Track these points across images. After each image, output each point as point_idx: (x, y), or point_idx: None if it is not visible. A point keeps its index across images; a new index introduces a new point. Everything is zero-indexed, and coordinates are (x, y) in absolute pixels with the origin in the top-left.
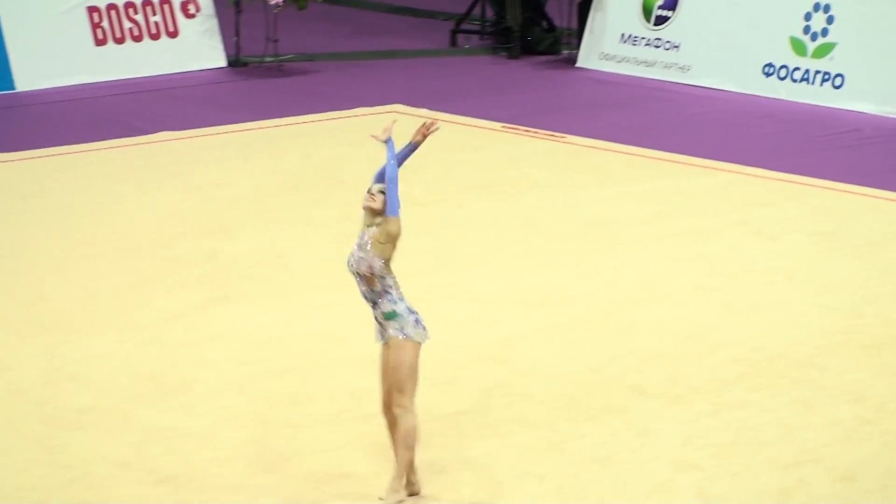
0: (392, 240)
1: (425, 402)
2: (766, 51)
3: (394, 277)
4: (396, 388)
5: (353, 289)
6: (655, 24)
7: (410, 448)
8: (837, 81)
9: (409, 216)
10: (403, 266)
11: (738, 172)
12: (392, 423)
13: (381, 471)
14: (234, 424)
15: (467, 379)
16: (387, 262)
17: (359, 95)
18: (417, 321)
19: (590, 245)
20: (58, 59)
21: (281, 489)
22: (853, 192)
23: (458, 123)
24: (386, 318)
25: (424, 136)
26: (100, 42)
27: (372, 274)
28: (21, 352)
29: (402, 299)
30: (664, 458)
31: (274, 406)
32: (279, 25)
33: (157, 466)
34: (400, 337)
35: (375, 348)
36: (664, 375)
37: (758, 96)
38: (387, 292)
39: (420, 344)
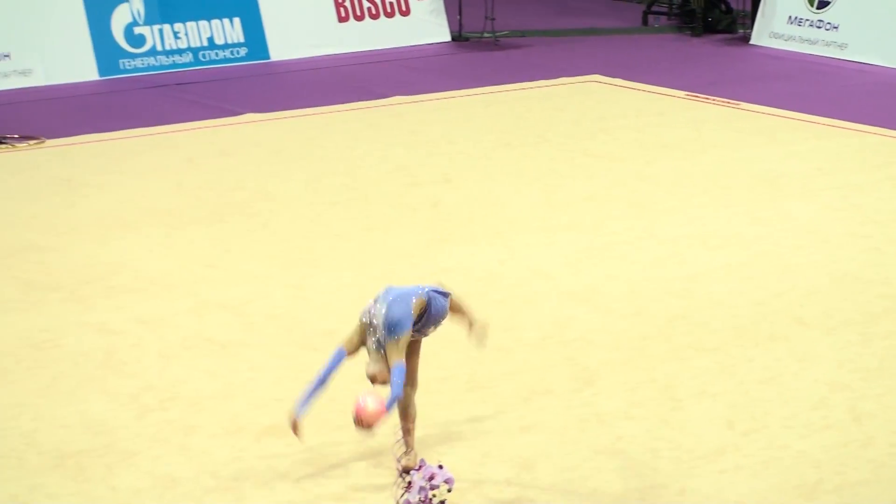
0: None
1: (617, 328)
2: None
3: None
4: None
5: (558, 232)
6: (818, 8)
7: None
8: None
9: (607, 171)
10: (603, 213)
11: (886, 136)
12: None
13: (582, 387)
14: (452, 348)
15: (654, 310)
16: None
17: (562, 67)
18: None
19: (760, 196)
20: (306, 33)
21: (490, 404)
22: None
23: (647, 91)
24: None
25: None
26: (342, 19)
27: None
28: (275, 282)
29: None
30: (821, 379)
31: (488, 332)
32: (496, 5)
33: None
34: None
35: (577, 283)
36: (821, 309)
37: None
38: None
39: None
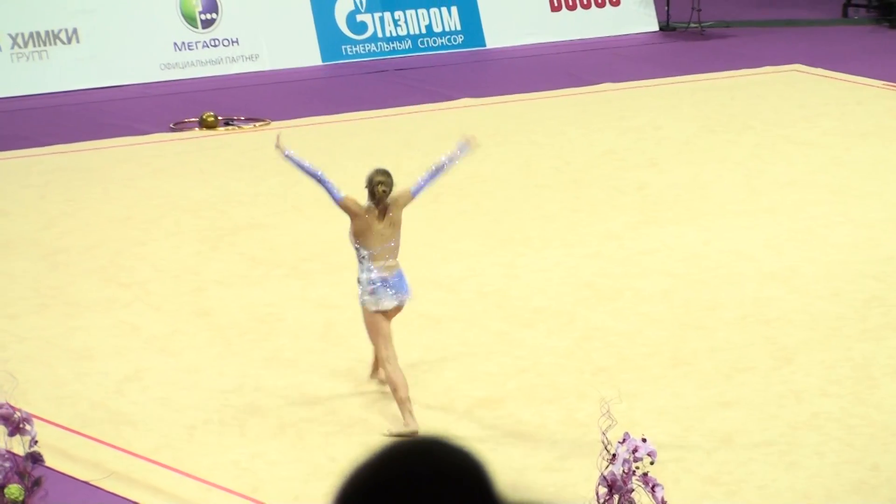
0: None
1: (815, 309)
2: None
3: (361, 252)
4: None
5: (759, 216)
6: None
7: (394, 392)
8: None
9: (807, 157)
10: (803, 197)
11: None
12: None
13: (781, 365)
14: (657, 326)
15: (851, 291)
16: (353, 236)
17: (765, 56)
18: (374, 291)
19: None
20: (520, 21)
21: (693, 380)
22: None
23: (847, 81)
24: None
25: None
26: (555, 9)
27: None
28: (487, 261)
29: (367, 271)
30: None
31: (690, 311)
32: None
33: (594, 359)
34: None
35: (778, 264)
36: None
37: None
38: (359, 262)
39: (370, 310)
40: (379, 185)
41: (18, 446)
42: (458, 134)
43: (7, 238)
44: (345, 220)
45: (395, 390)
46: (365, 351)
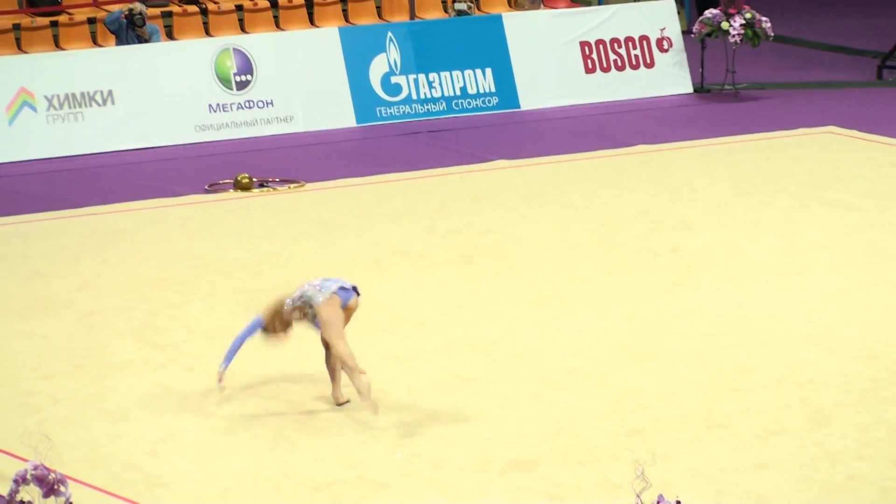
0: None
1: (850, 371)
2: None
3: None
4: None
5: (793, 277)
6: None
7: (345, 365)
8: None
9: (841, 218)
10: (837, 259)
11: None
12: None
13: (815, 427)
14: (691, 387)
15: (886, 353)
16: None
17: (799, 118)
18: (321, 288)
19: None
20: (555, 83)
21: (727, 442)
22: None
23: (881, 143)
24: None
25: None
26: (589, 70)
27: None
28: (522, 322)
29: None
30: None
31: (725, 372)
32: (736, 59)
33: (628, 420)
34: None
35: (813, 326)
36: None
37: None
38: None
39: (332, 304)
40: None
41: None
42: (493, 195)
43: (42, 299)
44: (379, 280)
45: (346, 366)
46: (401, 411)
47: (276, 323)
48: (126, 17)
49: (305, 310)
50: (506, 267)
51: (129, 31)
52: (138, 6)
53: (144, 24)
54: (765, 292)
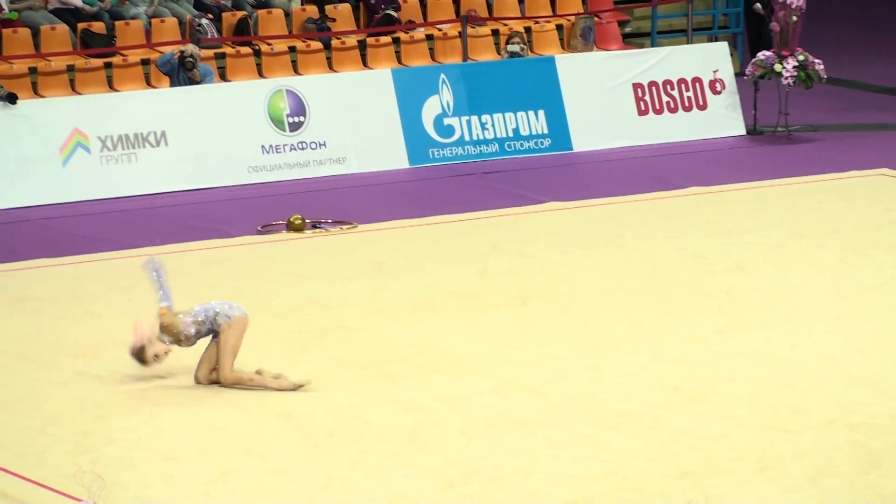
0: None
1: None
2: None
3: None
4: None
5: (847, 319)
6: None
7: (251, 382)
8: None
9: (891, 259)
10: (891, 301)
11: None
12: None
13: (868, 470)
14: (743, 429)
15: None
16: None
17: (852, 160)
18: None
19: None
20: (607, 125)
21: (778, 484)
22: None
23: None
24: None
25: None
26: (642, 112)
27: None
28: (575, 365)
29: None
30: None
31: (777, 414)
32: (789, 101)
33: (680, 462)
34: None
35: (865, 368)
36: None
37: None
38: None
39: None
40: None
41: None
42: (546, 237)
43: (95, 340)
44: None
45: (250, 381)
46: (453, 452)
47: (154, 344)
48: (178, 58)
49: (203, 326)
50: (558, 308)
51: (181, 72)
52: (190, 48)
53: (195, 66)
54: (818, 335)
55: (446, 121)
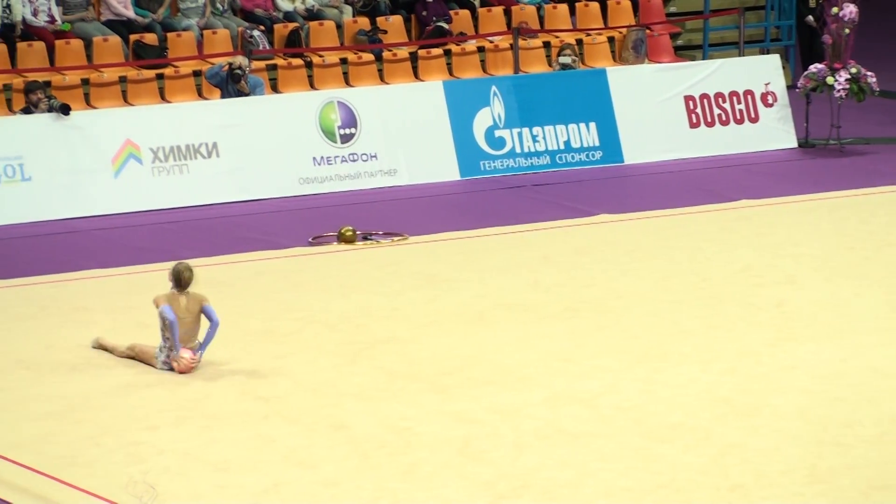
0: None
1: None
2: None
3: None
4: None
5: (891, 334)
6: None
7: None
8: None
9: None
10: None
11: None
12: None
13: None
14: (794, 442)
15: None
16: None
17: None
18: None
19: None
20: (659, 138)
21: (829, 497)
22: None
23: None
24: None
25: None
26: (693, 125)
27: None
28: (625, 377)
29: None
30: None
31: (828, 428)
32: (842, 114)
33: (730, 475)
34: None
35: None
36: None
37: None
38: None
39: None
40: (185, 272)
41: None
42: (597, 249)
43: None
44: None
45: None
46: (504, 464)
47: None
48: (226, 70)
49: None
50: (609, 321)
51: (230, 84)
52: (239, 60)
53: (243, 78)
54: (869, 347)
55: (497, 133)
